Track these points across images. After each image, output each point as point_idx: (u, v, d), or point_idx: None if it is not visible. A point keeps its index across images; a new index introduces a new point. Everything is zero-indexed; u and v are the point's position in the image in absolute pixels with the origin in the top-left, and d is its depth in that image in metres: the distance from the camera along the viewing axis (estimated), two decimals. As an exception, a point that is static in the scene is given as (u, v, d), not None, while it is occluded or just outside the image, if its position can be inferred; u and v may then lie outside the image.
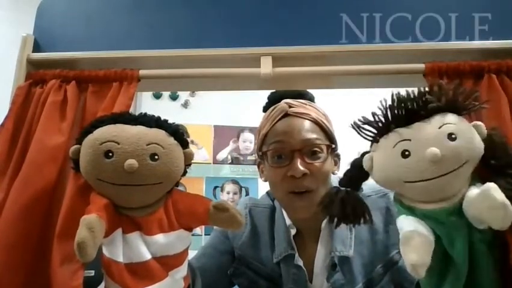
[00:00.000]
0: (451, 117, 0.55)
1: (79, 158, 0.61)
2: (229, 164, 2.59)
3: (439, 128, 0.53)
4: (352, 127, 0.60)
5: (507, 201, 0.48)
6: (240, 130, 2.62)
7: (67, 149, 0.71)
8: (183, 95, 2.70)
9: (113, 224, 0.59)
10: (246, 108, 2.46)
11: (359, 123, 0.60)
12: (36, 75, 0.79)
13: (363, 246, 0.86)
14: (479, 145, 0.55)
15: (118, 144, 0.58)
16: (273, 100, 0.93)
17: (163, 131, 0.62)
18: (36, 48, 0.82)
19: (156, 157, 0.59)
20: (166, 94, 2.66)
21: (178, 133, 0.64)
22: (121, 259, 0.59)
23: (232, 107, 2.59)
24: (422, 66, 0.71)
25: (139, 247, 0.60)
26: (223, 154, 2.56)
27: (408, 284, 0.82)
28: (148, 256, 0.61)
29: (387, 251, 0.85)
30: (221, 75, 0.78)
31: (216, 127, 2.53)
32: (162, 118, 0.65)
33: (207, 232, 2.21)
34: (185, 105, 2.67)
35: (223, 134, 2.54)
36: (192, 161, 0.67)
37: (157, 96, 2.59)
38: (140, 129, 0.61)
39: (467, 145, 0.53)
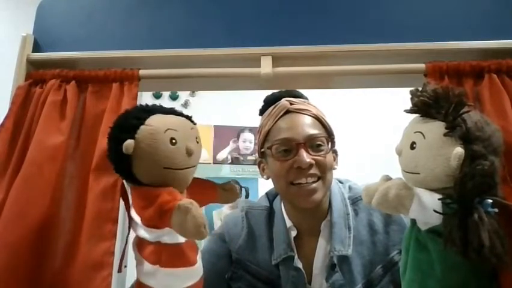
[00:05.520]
0: (430, 129, 0.55)
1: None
2: (229, 164, 2.59)
3: (414, 132, 0.57)
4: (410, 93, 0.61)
5: (386, 193, 0.53)
6: (240, 130, 2.62)
7: (67, 149, 0.71)
8: (183, 95, 2.70)
9: None
10: (246, 108, 2.45)
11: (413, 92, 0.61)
12: (36, 75, 0.79)
13: (363, 246, 0.86)
14: (439, 168, 0.53)
15: (177, 131, 0.62)
16: (269, 102, 0.93)
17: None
18: (36, 48, 0.82)
19: (197, 140, 0.66)
20: (166, 94, 2.66)
21: (192, 119, 0.70)
22: (182, 240, 0.63)
23: (232, 107, 2.59)
24: (422, 66, 0.71)
25: None
26: (223, 154, 2.56)
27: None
28: (182, 239, 0.64)
29: (387, 251, 0.85)
30: (221, 75, 0.78)
31: (216, 127, 2.53)
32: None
33: (206, 232, 2.21)
34: (185, 105, 2.67)
35: (223, 134, 2.54)
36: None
37: (157, 96, 2.59)
38: (177, 117, 0.66)
39: (421, 161, 0.56)
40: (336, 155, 0.92)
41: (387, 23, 0.78)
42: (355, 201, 0.90)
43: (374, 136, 2.20)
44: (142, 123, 0.61)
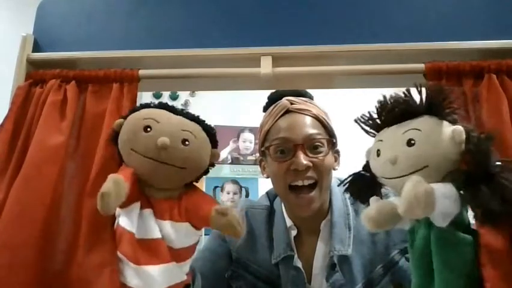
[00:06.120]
0: (420, 122, 0.57)
1: (119, 132, 0.66)
2: (229, 164, 2.59)
3: (404, 132, 0.57)
4: (355, 121, 0.64)
5: (414, 194, 0.50)
6: (240, 130, 2.63)
7: (67, 149, 0.71)
8: (183, 95, 2.70)
9: (134, 194, 0.62)
10: (246, 108, 2.47)
11: (359, 119, 0.64)
12: (36, 75, 0.79)
13: (363, 246, 0.86)
14: (447, 151, 0.55)
15: (158, 122, 0.64)
16: (273, 100, 0.93)
17: (199, 126, 0.68)
18: (36, 48, 0.82)
19: (187, 143, 0.64)
20: (166, 94, 2.66)
21: (211, 131, 0.70)
22: (134, 231, 0.62)
23: (232, 107, 2.60)
24: (422, 66, 0.71)
25: (151, 224, 0.63)
26: (223, 154, 2.56)
27: (409, 284, 0.82)
28: (158, 235, 0.63)
29: (388, 251, 0.85)
30: (221, 75, 0.78)
31: (216, 127, 2.52)
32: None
33: (206, 232, 2.21)
34: (185, 105, 2.67)
35: (223, 134, 2.54)
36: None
37: (157, 96, 2.59)
38: (180, 117, 0.67)
39: (427, 151, 0.55)
40: (338, 155, 0.92)
41: (387, 23, 0.78)
42: (356, 200, 0.90)
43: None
44: (138, 111, 0.66)
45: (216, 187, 2.49)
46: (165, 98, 2.64)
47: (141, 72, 0.76)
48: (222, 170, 2.56)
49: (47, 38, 0.84)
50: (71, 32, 0.85)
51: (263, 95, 0.96)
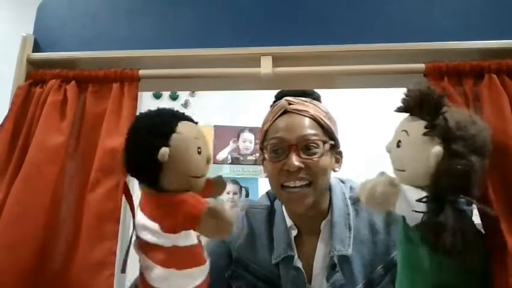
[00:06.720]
0: (415, 126, 0.56)
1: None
2: (229, 164, 2.59)
3: (401, 130, 0.58)
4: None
5: (374, 191, 0.54)
6: (240, 130, 2.62)
7: (67, 149, 0.71)
8: (183, 95, 2.70)
9: None
10: (246, 108, 2.47)
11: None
12: (36, 75, 0.79)
13: (364, 246, 0.86)
14: (423, 164, 0.54)
15: (199, 139, 0.64)
16: (278, 98, 0.94)
17: None
18: (36, 48, 0.82)
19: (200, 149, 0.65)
20: (166, 94, 2.66)
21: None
22: (195, 241, 0.64)
23: (232, 107, 2.59)
24: (422, 66, 0.71)
25: (190, 232, 0.64)
26: (223, 154, 2.56)
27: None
28: (195, 240, 0.64)
29: (388, 251, 0.85)
30: (221, 75, 0.78)
31: (216, 127, 2.53)
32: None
33: (207, 232, 2.22)
34: (185, 105, 2.67)
35: (223, 134, 2.54)
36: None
37: (157, 96, 2.59)
38: (194, 124, 0.67)
39: (406, 159, 0.57)
40: (340, 156, 0.92)
41: (388, 23, 0.78)
42: (356, 200, 0.90)
43: (373, 136, 2.20)
44: (174, 131, 0.60)
45: (216, 187, 2.49)
46: (165, 98, 2.65)
47: (141, 72, 0.76)
48: (222, 170, 2.56)
49: (47, 38, 0.84)
50: (71, 32, 0.85)
51: (263, 95, 0.96)
